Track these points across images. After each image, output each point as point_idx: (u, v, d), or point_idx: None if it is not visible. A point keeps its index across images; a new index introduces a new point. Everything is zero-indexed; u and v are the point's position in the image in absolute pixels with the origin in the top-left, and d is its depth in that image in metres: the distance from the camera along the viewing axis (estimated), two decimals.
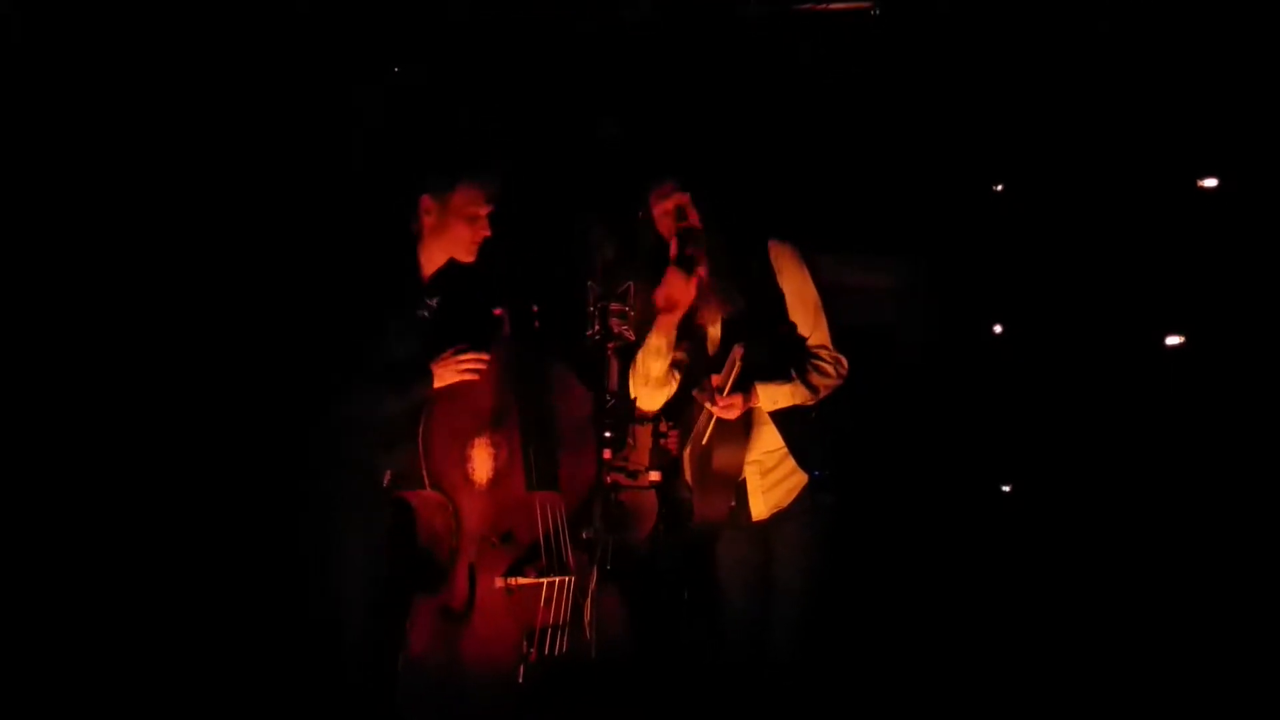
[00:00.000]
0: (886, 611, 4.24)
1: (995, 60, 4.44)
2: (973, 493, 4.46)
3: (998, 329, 4.62)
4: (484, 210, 3.44)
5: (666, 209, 3.54)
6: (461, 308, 3.53)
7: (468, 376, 3.42)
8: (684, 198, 3.53)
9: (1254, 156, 4.34)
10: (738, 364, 3.37)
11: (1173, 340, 4.47)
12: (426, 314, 3.48)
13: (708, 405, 3.43)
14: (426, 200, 3.44)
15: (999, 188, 4.65)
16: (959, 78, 4.46)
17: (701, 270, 3.50)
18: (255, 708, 3.59)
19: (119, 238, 3.85)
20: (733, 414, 3.43)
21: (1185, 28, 4.28)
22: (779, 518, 3.58)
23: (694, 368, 3.61)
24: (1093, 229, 4.49)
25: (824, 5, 4.26)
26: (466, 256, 3.48)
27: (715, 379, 3.42)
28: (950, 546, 4.40)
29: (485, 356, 3.42)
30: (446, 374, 3.40)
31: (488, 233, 3.45)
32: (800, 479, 3.57)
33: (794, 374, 3.50)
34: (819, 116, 4.47)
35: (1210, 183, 4.42)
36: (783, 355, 3.49)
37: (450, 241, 3.46)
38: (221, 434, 3.85)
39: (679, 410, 3.69)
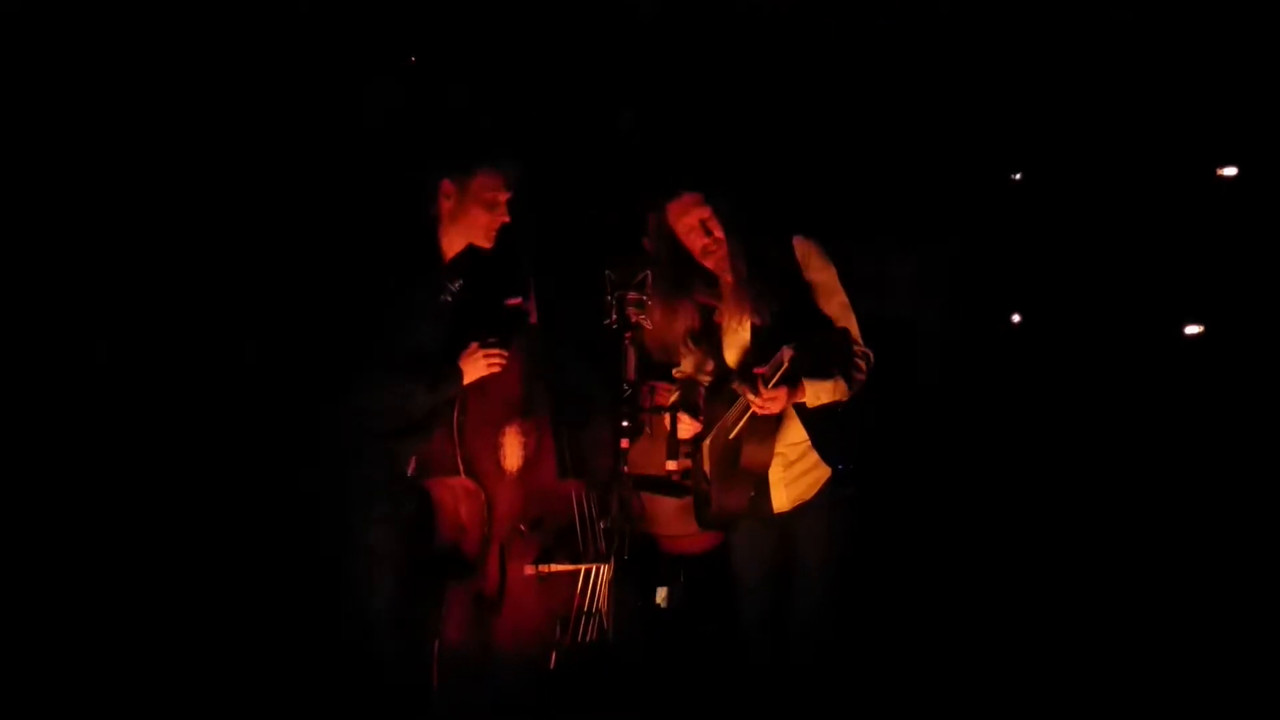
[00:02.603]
0: (906, 606, 4.23)
1: (1012, 50, 4.43)
2: (993, 484, 4.44)
3: (1016, 318, 4.61)
4: (503, 196, 3.45)
5: (691, 224, 3.54)
6: (481, 294, 3.53)
7: (494, 369, 3.44)
8: (705, 211, 3.53)
9: (1274, 146, 4.34)
10: (785, 364, 3.34)
11: (1192, 330, 4.47)
12: (449, 298, 3.48)
13: (749, 396, 3.41)
14: (446, 184, 3.45)
15: (1017, 177, 4.65)
16: (975, 68, 4.45)
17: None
18: (289, 700, 3.60)
19: (145, 230, 3.88)
20: (774, 408, 3.42)
21: (1204, 18, 4.28)
22: (800, 510, 3.57)
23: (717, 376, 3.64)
24: (1112, 218, 4.49)
25: None
26: (484, 242, 3.49)
27: (760, 371, 3.40)
28: (971, 540, 4.38)
29: (505, 353, 3.44)
30: (474, 369, 3.42)
31: (506, 219, 3.47)
32: (823, 472, 3.55)
33: (836, 371, 3.50)
34: (836, 108, 4.46)
35: (1230, 172, 4.42)
36: (821, 355, 3.48)
37: (468, 226, 3.47)
38: (247, 425, 3.86)
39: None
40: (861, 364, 3.55)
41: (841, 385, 3.50)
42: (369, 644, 3.33)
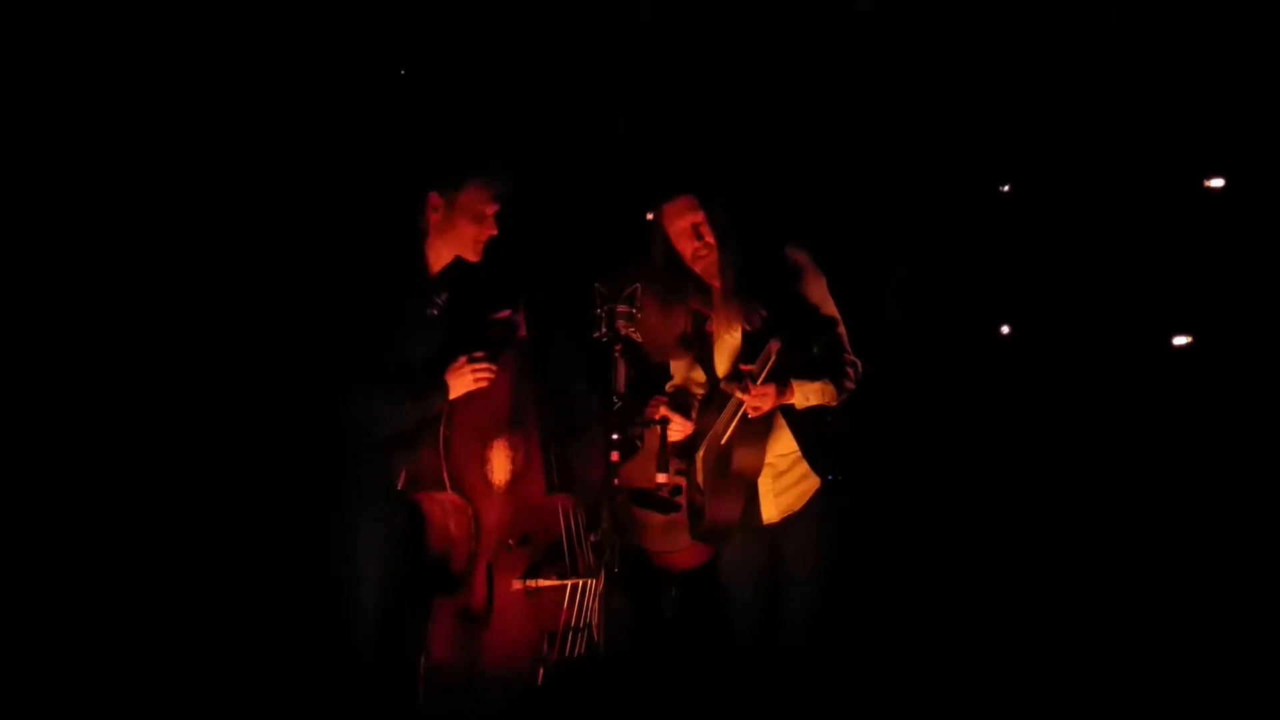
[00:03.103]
0: (895, 616, 4.23)
1: (1002, 59, 4.44)
2: (984, 495, 4.45)
3: (1005, 330, 4.62)
4: (491, 209, 3.43)
5: (683, 228, 3.55)
6: (469, 307, 3.52)
7: (481, 383, 3.41)
8: (699, 216, 3.54)
9: (1260, 157, 4.36)
10: (773, 358, 3.38)
11: (1180, 340, 4.48)
12: (436, 311, 3.47)
13: (738, 394, 3.43)
14: (434, 197, 3.43)
15: (1005, 188, 4.65)
16: (967, 76, 4.46)
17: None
18: (276, 710, 3.59)
19: (134, 235, 3.87)
20: (764, 405, 3.43)
21: (1193, 28, 4.29)
22: (790, 521, 3.57)
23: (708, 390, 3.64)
24: (1100, 229, 4.50)
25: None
26: (472, 255, 3.47)
27: (747, 368, 3.42)
28: (963, 550, 4.39)
29: (493, 366, 3.42)
30: (461, 383, 3.39)
31: (494, 231, 3.45)
32: (813, 483, 3.56)
33: (825, 375, 3.52)
34: (828, 117, 4.47)
35: (1217, 183, 4.43)
36: (810, 358, 3.52)
37: (456, 239, 3.45)
38: (238, 436, 3.85)
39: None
40: (850, 372, 3.57)
41: (830, 389, 3.52)
42: (354, 658, 3.31)
